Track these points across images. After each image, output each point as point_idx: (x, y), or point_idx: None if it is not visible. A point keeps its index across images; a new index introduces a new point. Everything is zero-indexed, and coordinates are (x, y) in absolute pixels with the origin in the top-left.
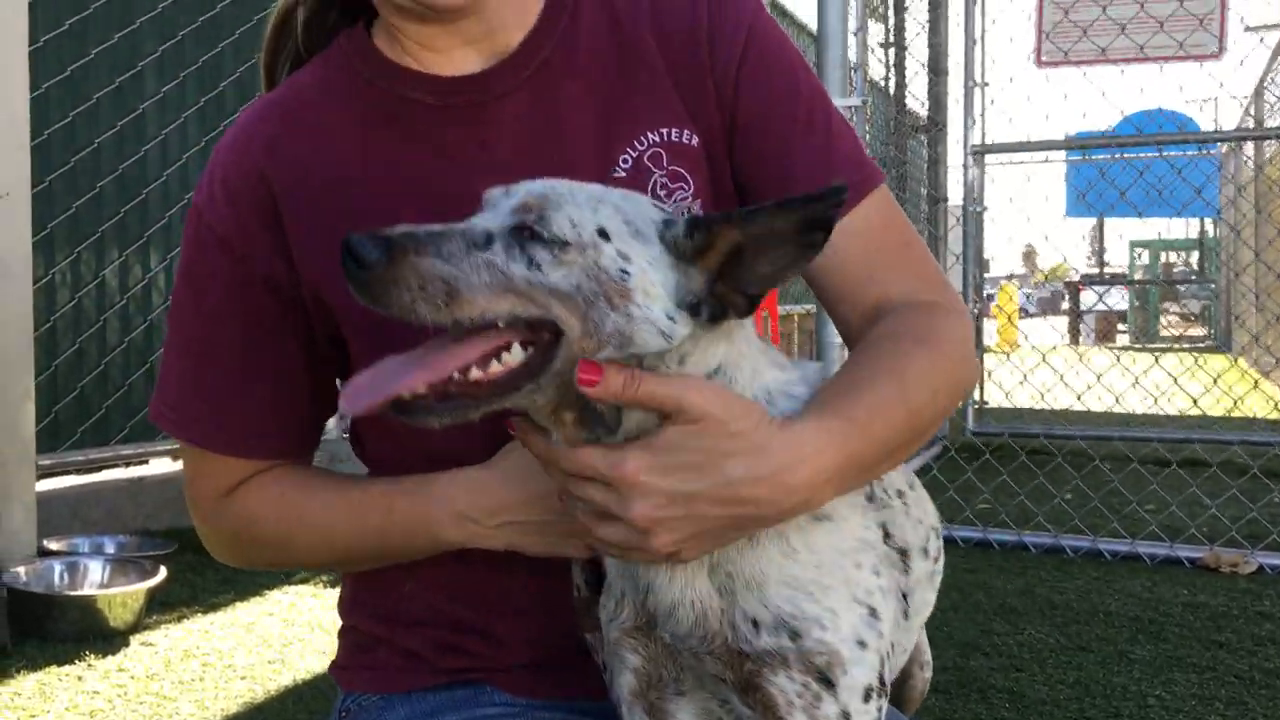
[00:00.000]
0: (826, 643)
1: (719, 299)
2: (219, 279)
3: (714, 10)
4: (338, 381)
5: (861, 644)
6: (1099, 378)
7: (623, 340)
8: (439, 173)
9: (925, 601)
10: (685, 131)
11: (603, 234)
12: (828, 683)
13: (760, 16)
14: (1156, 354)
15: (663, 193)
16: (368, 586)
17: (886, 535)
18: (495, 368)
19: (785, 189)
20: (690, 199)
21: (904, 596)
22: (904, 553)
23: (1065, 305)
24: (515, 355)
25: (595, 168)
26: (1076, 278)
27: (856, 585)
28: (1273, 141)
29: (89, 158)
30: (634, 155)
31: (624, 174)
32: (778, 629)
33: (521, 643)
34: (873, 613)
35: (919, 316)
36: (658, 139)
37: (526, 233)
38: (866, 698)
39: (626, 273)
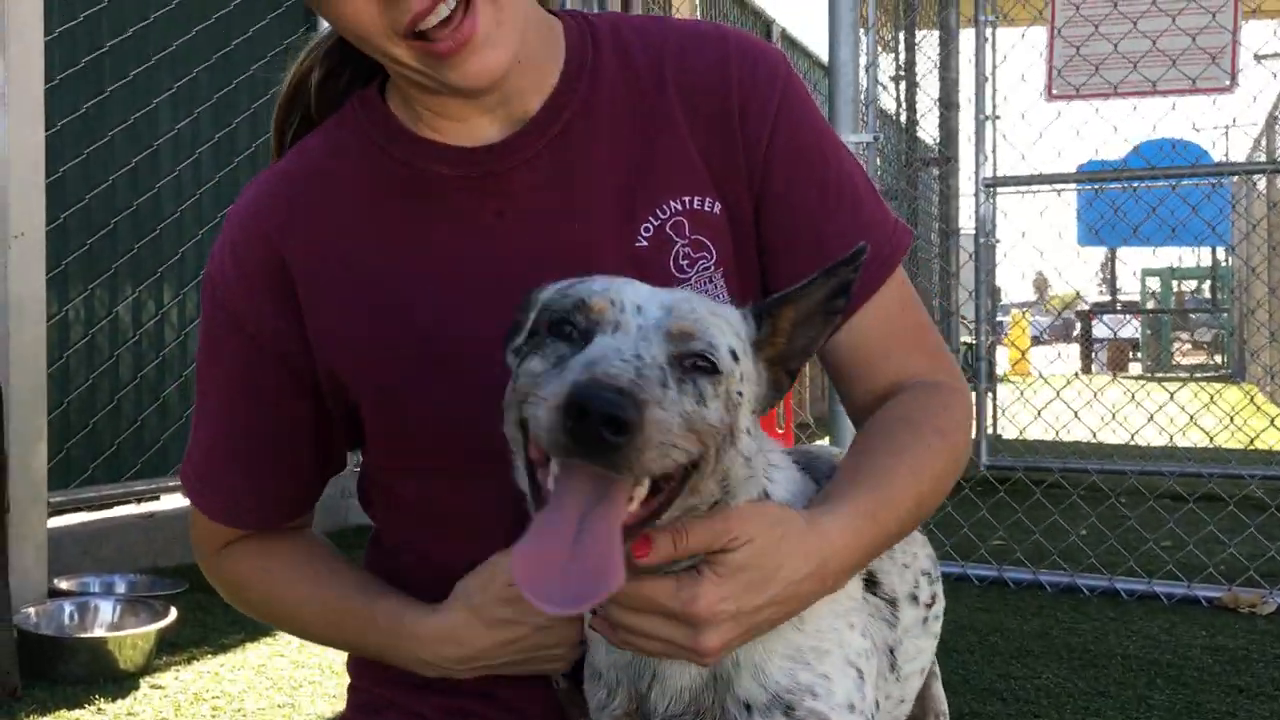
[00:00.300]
0: (818, 711)
1: (771, 386)
2: (229, 353)
3: (744, 78)
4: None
5: (851, 708)
6: (1114, 414)
7: (724, 477)
8: (456, 247)
9: (919, 649)
10: (708, 200)
11: (734, 355)
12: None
13: (791, 86)
14: (1170, 388)
15: (684, 262)
16: None
17: (874, 584)
18: (633, 508)
19: (817, 261)
20: (713, 268)
21: (890, 651)
22: (892, 603)
23: (1077, 332)
24: (640, 493)
25: (617, 237)
26: (1088, 307)
27: (849, 647)
28: None
29: (103, 194)
30: (655, 224)
31: (645, 243)
32: (771, 708)
33: (534, 711)
34: (860, 674)
35: (932, 400)
36: (680, 207)
37: (689, 363)
38: None
39: (741, 394)
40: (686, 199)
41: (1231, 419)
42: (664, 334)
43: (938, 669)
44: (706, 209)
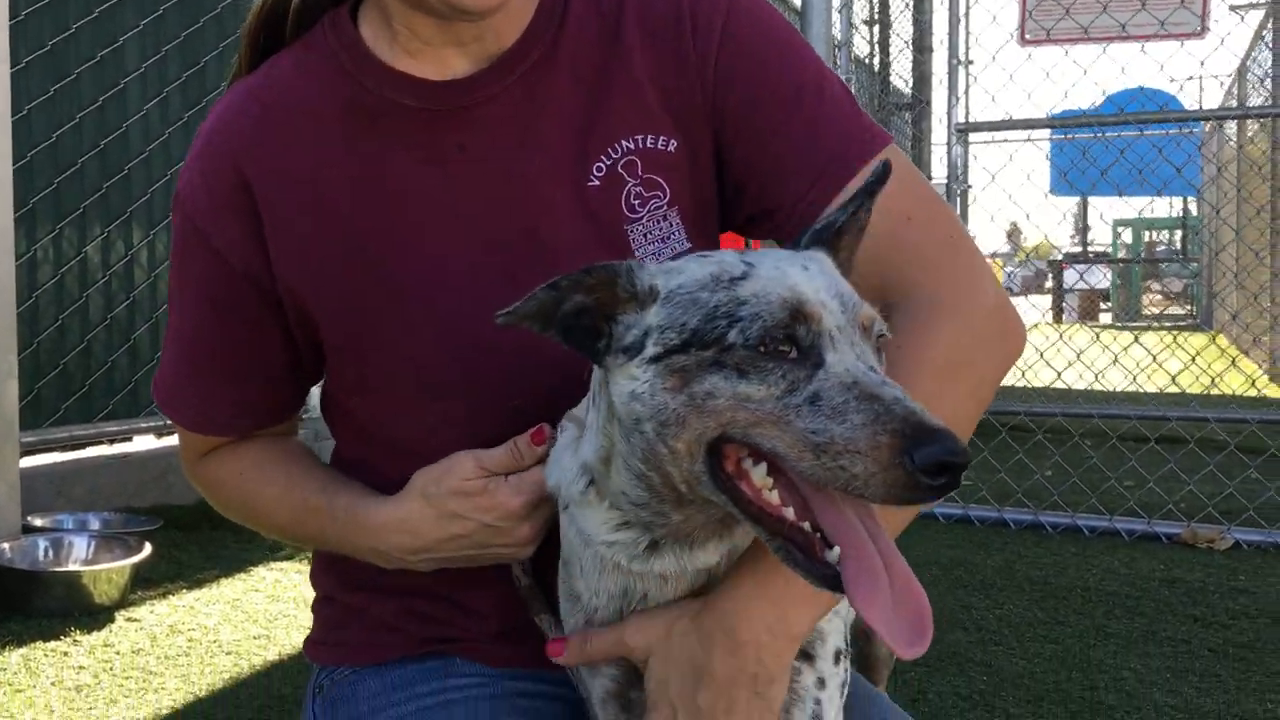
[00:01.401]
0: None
1: None
2: (199, 270)
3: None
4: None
5: (835, 611)
6: (1079, 355)
7: None
8: (416, 178)
9: None
10: (663, 138)
11: None
12: (808, 657)
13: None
14: (1136, 332)
15: (636, 202)
16: (338, 555)
17: None
18: None
19: (779, 171)
20: (665, 207)
21: None
22: None
23: (1049, 284)
24: None
25: (571, 177)
26: (1060, 256)
27: None
28: (1254, 121)
29: (70, 133)
30: (608, 164)
31: (598, 183)
32: None
33: (492, 613)
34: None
35: (927, 331)
36: (633, 146)
37: (877, 350)
38: (836, 660)
39: None
40: (640, 138)
41: (1194, 359)
42: (859, 329)
43: None
44: (661, 147)
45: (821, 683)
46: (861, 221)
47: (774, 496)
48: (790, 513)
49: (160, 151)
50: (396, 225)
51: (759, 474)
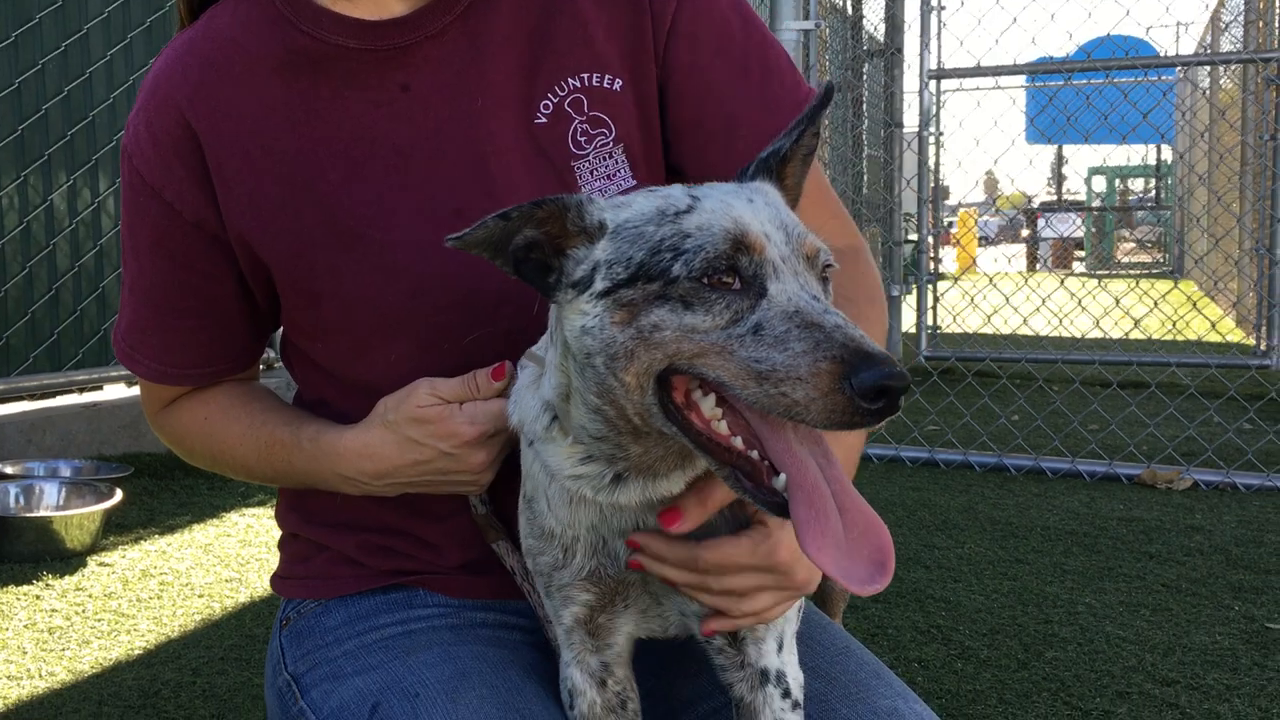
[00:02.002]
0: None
1: None
2: (150, 222)
3: None
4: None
5: None
6: (1044, 301)
7: None
8: (362, 120)
9: None
10: (608, 76)
11: None
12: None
13: None
14: (1104, 279)
15: (582, 139)
16: (303, 493)
17: None
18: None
19: (725, 136)
20: (611, 144)
21: None
22: None
23: (1025, 233)
24: None
25: (518, 114)
26: (1035, 205)
27: None
28: (1224, 67)
29: (33, 79)
30: (555, 101)
31: (545, 120)
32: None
33: (453, 546)
34: None
35: (855, 269)
36: (578, 84)
37: (821, 279)
38: None
39: None
40: (585, 76)
41: (1155, 305)
42: (803, 259)
43: None
44: (606, 85)
45: None
46: (806, 147)
47: (722, 427)
48: (739, 442)
49: (124, 98)
50: (343, 167)
51: (708, 405)
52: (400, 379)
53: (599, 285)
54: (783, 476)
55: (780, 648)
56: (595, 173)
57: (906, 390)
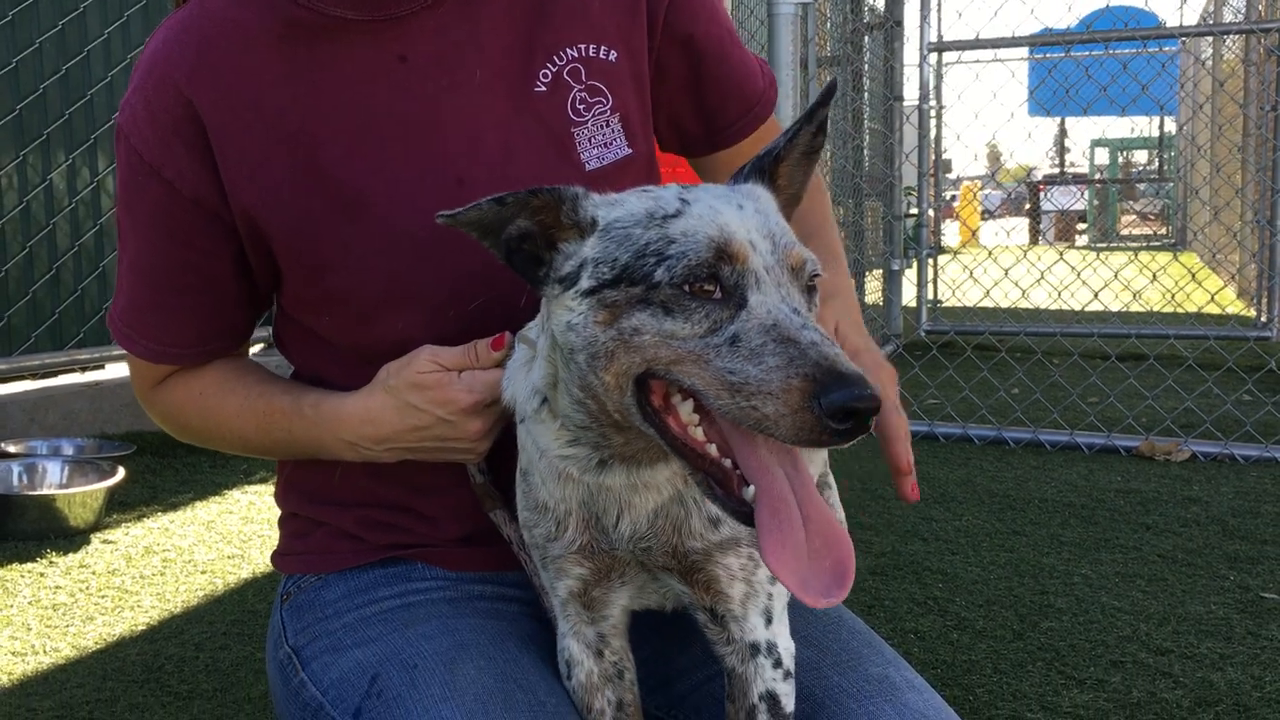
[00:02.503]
0: None
1: None
2: (149, 201)
3: None
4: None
5: None
6: (1043, 275)
7: None
8: (361, 91)
9: (812, 454)
10: (604, 47)
11: None
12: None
13: None
14: (1103, 252)
15: (581, 106)
16: (300, 472)
17: None
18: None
19: (724, 99)
20: (609, 113)
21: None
22: None
23: (1027, 206)
24: None
25: (516, 83)
26: (1039, 178)
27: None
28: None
29: (30, 58)
30: (553, 70)
31: (544, 88)
32: None
33: (450, 520)
34: None
35: (816, 202)
36: (576, 54)
37: (807, 290)
38: None
39: None
40: (583, 46)
41: (1155, 277)
42: (788, 270)
43: (832, 480)
44: (603, 57)
45: (774, 578)
46: (806, 145)
47: (698, 433)
48: (713, 449)
49: (122, 76)
50: (345, 140)
51: (686, 410)
52: (406, 348)
53: (585, 283)
54: (752, 488)
55: (770, 621)
56: (593, 140)
57: (875, 412)
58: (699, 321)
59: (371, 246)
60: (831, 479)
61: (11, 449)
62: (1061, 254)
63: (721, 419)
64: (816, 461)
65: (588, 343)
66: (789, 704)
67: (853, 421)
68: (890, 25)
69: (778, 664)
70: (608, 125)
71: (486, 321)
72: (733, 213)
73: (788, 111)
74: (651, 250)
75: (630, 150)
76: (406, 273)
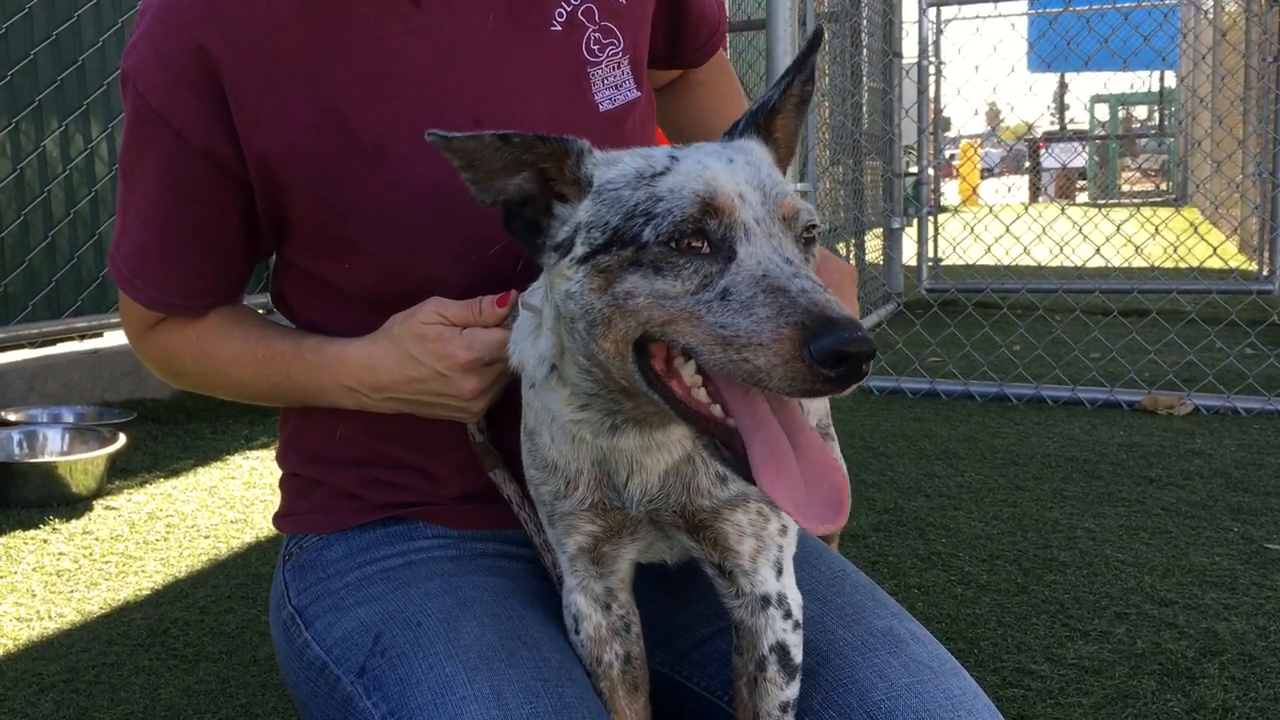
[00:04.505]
0: None
1: None
2: (157, 151)
3: None
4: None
5: None
6: (1044, 230)
7: None
8: (377, 38)
9: (812, 403)
10: None
11: None
12: (774, 504)
13: None
14: (1104, 208)
15: (595, 47)
16: (301, 432)
17: None
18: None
19: (699, 22)
20: (620, 54)
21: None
22: None
23: (1027, 164)
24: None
25: (530, 23)
26: (1038, 135)
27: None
28: None
29: (20, 24)
30: (568, 10)
31: (560, 28)
32: None
33: (452, 478)
34: None
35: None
36: None
37: (801, 242)
38: None
39: None
40: None
41: (1157, 231)
42: (780, 221)
43: (834, 433)
44: None
45: (784, 529)
46: (798, 95)
47: (701, 394)
48: (717, 410)
49: (114, 40)
50: (361, 84)
51: (688, 372)
52: (425, 295)
53: (579, 250)
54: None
55: (780, 573)
56: (606, 81)
57: (870, 356)
58: (689, 278)
59: (392, 190)
60: (833, 431)
61: (12, 417)
62: (1064, 209)
63: (717, 375)
64: (817, 412)
65: (585, 310)
66: (798, 655)
67: (845, 367)
68: None
69: (787, 615)
70: (619, 67)
71: (509, 265)
72: (721, 166)
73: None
74: (640, 210)
75: (638, 92)
76: (427, 215)
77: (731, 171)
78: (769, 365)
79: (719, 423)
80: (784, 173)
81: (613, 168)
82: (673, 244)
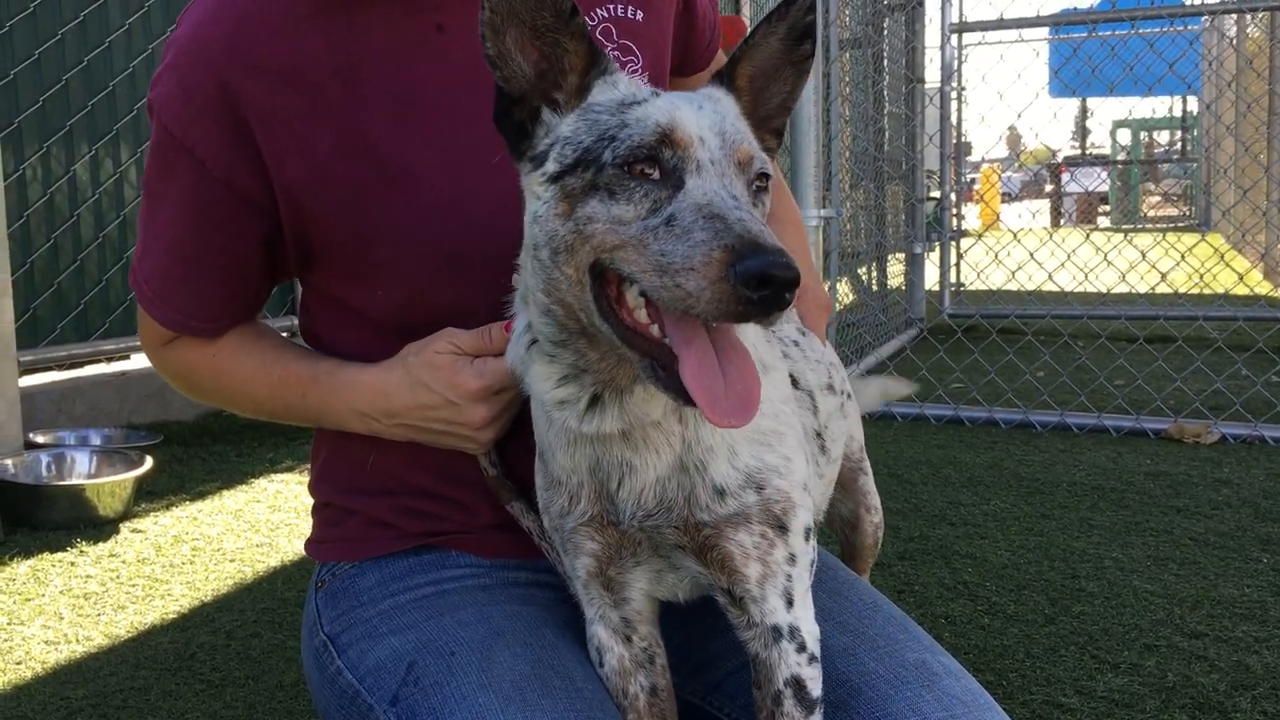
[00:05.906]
0: (783, 490)
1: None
2: (180, 180)
3: None
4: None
5: (805, 488)
6: (1069, 256)
7: None
8: (402, 63)
9: (842, 431)
10: (631, 7)
11: None
12: (782, 528)
13: None
14: (1129, 233)
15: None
16: (333, 463)
17: (794, 383)
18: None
19: (702, 31)
20: (640, 73)
21: (819, 434)
22: (810, 395)
23: (1048, 188)
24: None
25: None
26: (1059, 160)
27: (798, 430)
28: (1251, 15)
29: (53, 49)
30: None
31: None
32: (745, 487)
33: (484, 507)
34: (805, 457)
35: (781, 195)
36: (606, 14)
37: (754, 186)
38: (806, 537)
39: None
40: (612, 6)
41: (1183, 258)
42: (734, 164)
43: (868, 466)
44: (630, 16)
45: (792, 559)
46: (761, 47)
47: (642, 315)
48: (655, 330)
49: (144, 66)
50: (388, 110)
51: (632, 295)
52: (455, 318)
53: (550, 166)
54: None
55: (790, 604)
56: None
57: (793, 284)
58: (640, 202)
59: (419, 216)
60: (867, 465)
61: (40, 440)
62: (1088, 235)
63: (658, 304)
64: (853, 443)
65: (550, 237)
66: (815, 688)
67: (769, 290)
68: (912, 6)
69: (801, 648)
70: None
71: None
72: (688, 108)
73: (808, 94)
74: (608, 135)
75: None
76: (454, 238)
77: (699, 114)
78: (698, 289)
79: (657, 342)
80: (778, 141)
81: (609, 92)
82: (626, 167)
